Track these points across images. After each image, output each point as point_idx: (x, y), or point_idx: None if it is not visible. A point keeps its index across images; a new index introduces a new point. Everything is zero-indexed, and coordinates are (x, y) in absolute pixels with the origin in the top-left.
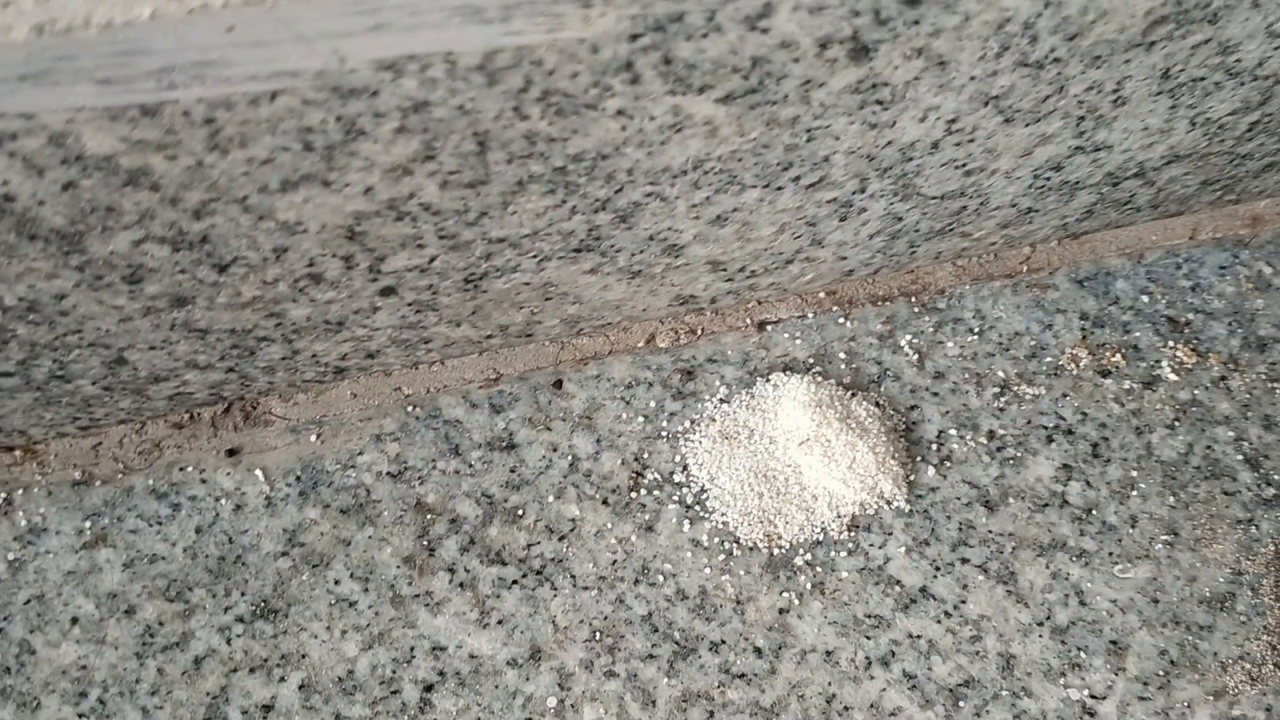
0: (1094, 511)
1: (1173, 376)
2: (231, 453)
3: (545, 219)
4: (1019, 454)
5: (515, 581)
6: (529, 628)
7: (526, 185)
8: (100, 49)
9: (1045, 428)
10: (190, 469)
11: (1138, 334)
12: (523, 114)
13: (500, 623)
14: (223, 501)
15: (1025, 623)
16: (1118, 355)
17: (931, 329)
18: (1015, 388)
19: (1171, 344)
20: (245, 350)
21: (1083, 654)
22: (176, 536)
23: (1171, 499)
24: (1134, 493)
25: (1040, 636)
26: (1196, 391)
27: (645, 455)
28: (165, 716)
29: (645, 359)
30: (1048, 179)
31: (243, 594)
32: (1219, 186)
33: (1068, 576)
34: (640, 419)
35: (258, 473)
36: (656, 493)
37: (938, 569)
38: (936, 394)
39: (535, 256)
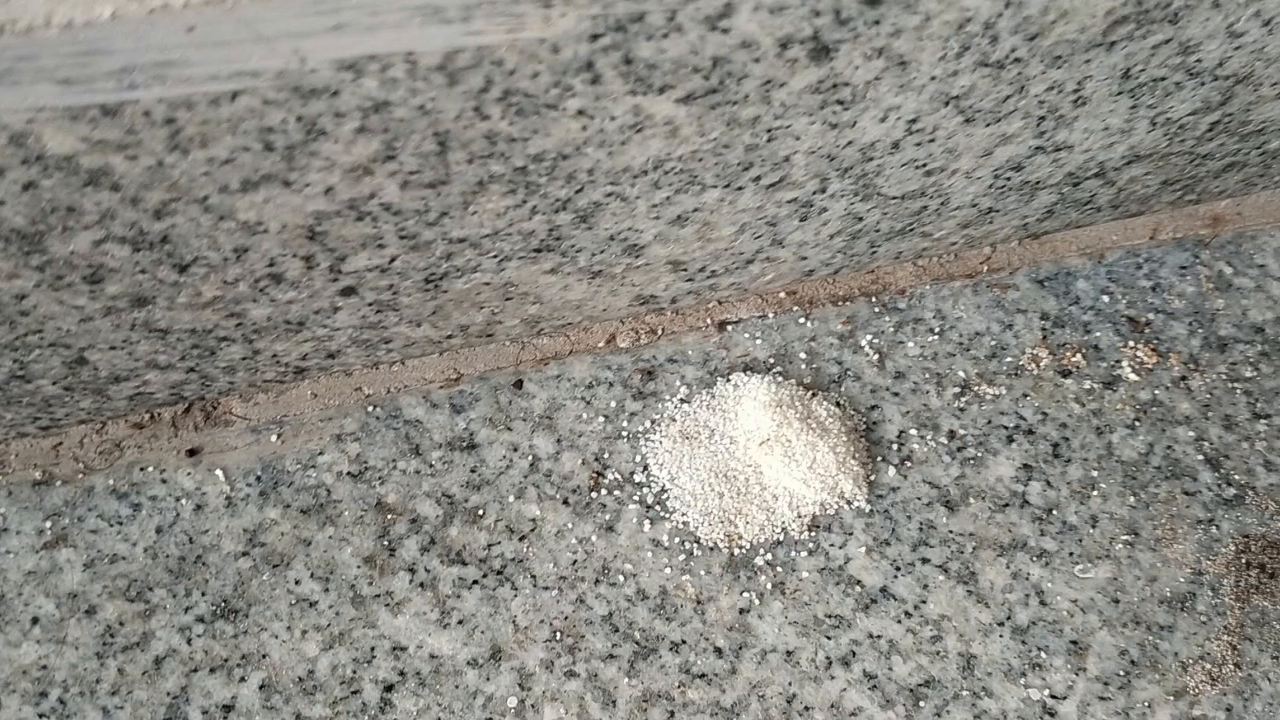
0: (1054, 511)
1: (1133, 376)
2: (192, 453)
3: (506, 219)
4: (979, 454)
5: (476, 581)
6: (489, 628)
7: (487, 185)
8: (61, 49)
9: (1006, 428)
10: (151, 469)
11: (1098, 334)
12: (483, 114)
13: (461, 623)
14: (183, 501)
15: (986, 623)
16: (1078, 355)
17: (892, 329)
18: (976, 388)
19: (1132, 344)
20: (206, 350)
21: (1043, 654)
22: (137, 536)
23: (1132, 499)
24: (1094, 493)
25: (1001, 636)
26: (1157, 391)
27: (606, 455)
28: (126, 716)
29: (606, 359)
30: (1008, 179)
31: (203, 594)
32: (1179, 186)
33: (1028, 576)
34: (601, 419)
35: (218, 473)
36: (617, 493)
37: (898, 569)
38: (897, 394)
39: (496, 256)
